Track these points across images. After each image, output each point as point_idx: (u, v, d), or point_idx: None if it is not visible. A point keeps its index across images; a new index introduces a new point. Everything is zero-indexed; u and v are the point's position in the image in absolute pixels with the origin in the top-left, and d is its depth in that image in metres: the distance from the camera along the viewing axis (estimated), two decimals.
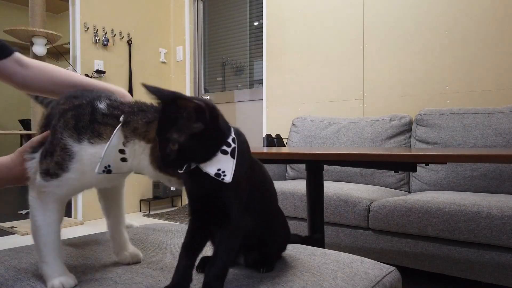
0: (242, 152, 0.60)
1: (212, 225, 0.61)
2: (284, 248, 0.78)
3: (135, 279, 0.65)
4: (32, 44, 2.83)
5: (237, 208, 0.59)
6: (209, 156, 0.56)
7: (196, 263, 0.69)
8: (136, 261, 0.75)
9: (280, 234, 0.74)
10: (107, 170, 0.63)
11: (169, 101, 0.56)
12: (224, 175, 0.56)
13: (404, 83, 2.61)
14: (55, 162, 0.64)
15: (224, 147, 0.57)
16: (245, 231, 0.62)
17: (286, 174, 2.73)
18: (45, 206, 0.65)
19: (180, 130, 0.54)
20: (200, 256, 0.73)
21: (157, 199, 3.71)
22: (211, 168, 0.56)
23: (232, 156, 0.57)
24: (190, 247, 0.61)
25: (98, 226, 2.97)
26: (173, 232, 1.01)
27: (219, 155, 0.57)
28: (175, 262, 0.77)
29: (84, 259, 0.77)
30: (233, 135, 0.60)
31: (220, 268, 0.58)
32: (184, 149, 0.54)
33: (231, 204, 0.59)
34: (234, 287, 0.62)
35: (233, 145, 0.58)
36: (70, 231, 2.82)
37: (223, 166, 0.56)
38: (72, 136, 0.64)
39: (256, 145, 3.43)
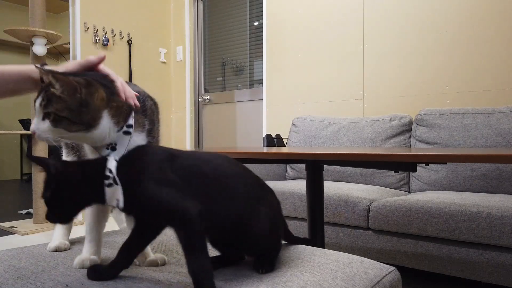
0: (147, 162, 0.62)
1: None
2: (278, 246, 0.74)
3: (135, 279, 0.66)
4: (32, 44, 2.83)
5: (171, 206, 0.59)
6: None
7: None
8: (162, 264, 0.77)
9: (268, 232, 0.69)
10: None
11: None
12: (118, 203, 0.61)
13: (404, 83, 2.61)
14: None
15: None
16: (201, 225, 0.60)
17: (286, 174, 2.73)
18: None
19: None
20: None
21: None
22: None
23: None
24: (130, 247, 0.66)
25: None
26: (173, 232, 1.01)
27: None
28: (175, 262, 0.77)
29: None
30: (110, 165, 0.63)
31: (198, 264, 0.58)
32: None
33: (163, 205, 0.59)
34: (233, 287, 0.62)
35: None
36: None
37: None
38: None
39: (256, 145, 3.43)
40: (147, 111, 0.73)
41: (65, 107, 0.59)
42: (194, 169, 0.63)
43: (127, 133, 0.66)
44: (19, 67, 0.77)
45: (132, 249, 0.66)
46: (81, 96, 0.60)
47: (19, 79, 0.76)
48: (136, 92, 0.71)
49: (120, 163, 0.62)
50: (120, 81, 0.68)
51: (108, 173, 0.61)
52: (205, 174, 0.64)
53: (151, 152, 0.64)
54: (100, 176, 0.60)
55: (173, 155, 0.64)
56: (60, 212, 0.60)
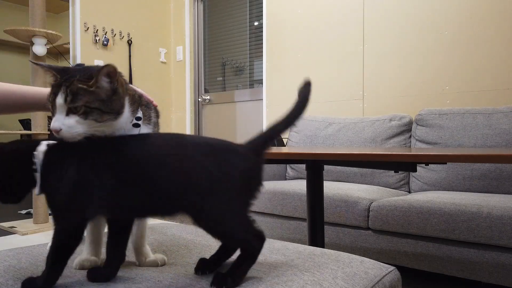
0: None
1: None
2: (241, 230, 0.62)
3: (135, 280, 0.65)
4: (32, 44, 2.83)
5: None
6: None
7: (195, 265, 0.69)
8: (162, 264, 0.76)
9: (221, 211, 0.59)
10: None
11: None
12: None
13: (404, 83, 2.61)
14: None
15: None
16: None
17: (286, 174, 2.73)
18: None
19: None
20: (199, 257, 0.73)
21: None
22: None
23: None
24: (113, 243, 0.67)
25: None
26: (173, 232, 1.01)
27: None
28: (175, 263, 0.77)
29: None
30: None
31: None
32: None
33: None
34: None
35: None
36: None
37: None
38: None
39: None
40: (150, 105, 0.74)
41: (96, 98, 0.58)
42: (120, 156, 0.60)
43: (136, 125, 0.66)
44: (32, 89, 0.78)
45: (116, 244, 0.65)
46: (113, 85, 0.60)
47: (28, 100, 0.77)
48: None
49: (49, 149, 0.61)
50: None
51: (34, 158, 0.60)
52: (130, 159, 0.59)
53: (75, 144, 0.60)
54: (31, 160, 0.60)
55: (106, 145, 0.61)
56: (8, 192, 0.62)
